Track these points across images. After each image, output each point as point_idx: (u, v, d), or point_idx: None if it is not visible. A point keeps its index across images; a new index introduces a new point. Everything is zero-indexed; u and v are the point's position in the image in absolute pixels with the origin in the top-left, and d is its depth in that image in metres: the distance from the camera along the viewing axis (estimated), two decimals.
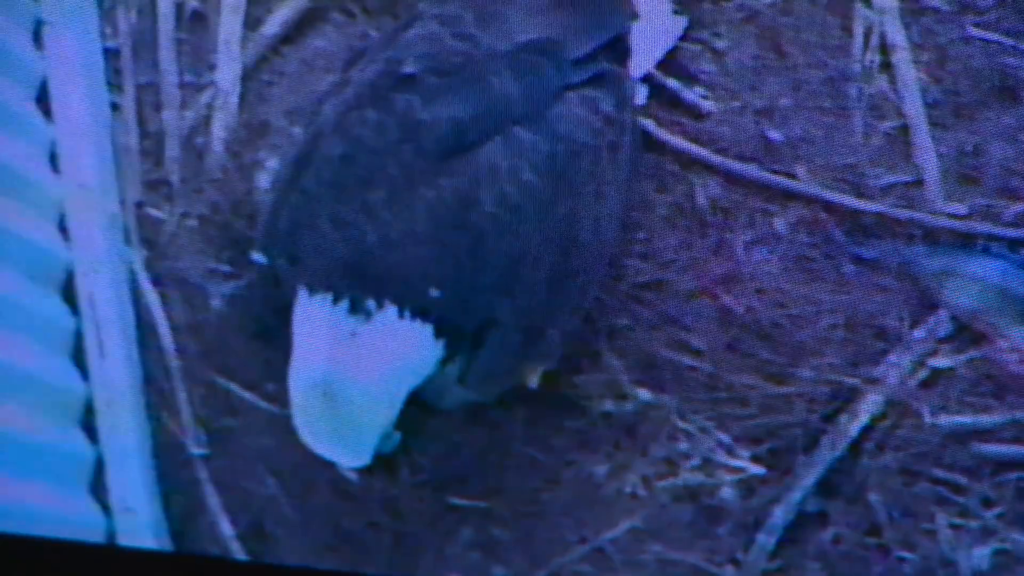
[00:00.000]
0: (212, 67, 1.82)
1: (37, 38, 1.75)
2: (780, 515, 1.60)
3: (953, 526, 1.59)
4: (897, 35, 1.73)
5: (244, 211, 1.76)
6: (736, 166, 1.71)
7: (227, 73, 1.80)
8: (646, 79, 1.69)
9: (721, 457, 1.64)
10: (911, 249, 1.67)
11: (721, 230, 1.70)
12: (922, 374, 1.65)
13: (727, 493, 1.64)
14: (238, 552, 1.65)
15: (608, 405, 1.67)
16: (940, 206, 1.68)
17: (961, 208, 1.68)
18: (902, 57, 1.73)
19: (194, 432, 1.69)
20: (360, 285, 1.33)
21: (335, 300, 1.33)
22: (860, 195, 1.69)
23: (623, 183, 1.51)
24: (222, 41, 1.81)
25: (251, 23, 1.82)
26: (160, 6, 1.83)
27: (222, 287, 1.74)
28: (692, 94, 1.74)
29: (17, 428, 1.55)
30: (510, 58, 1.43)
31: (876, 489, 1.61)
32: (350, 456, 1.41)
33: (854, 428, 1.62)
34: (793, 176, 1.71)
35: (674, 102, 1.74)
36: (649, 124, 1.72)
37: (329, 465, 1.60)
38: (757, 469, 1.63)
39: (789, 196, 1.70)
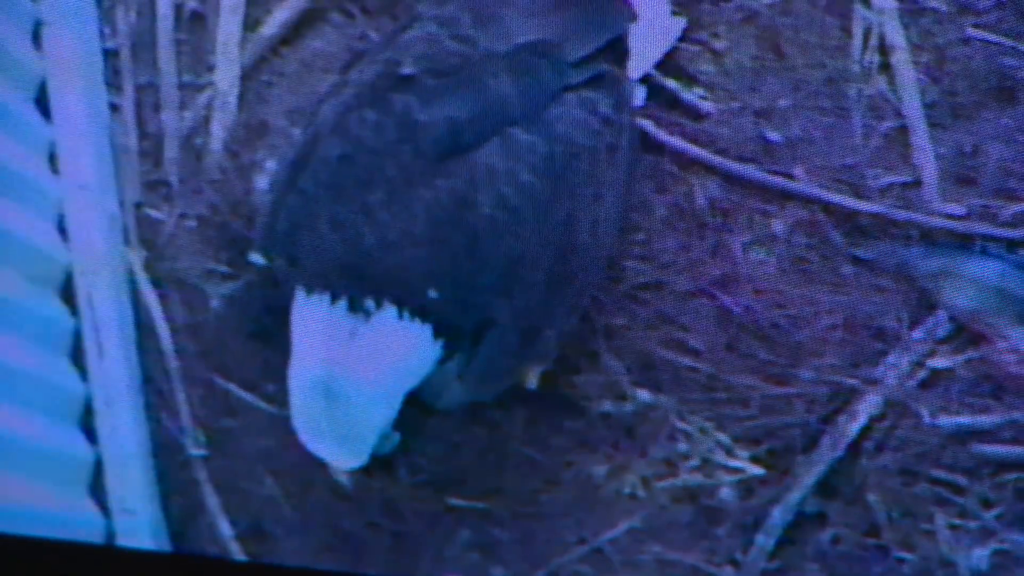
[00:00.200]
0: (211, 68, 1.82)
1: (36, 38, 1.75)
2: (779, 516, 1.60)
3: (952, 527, 1.60)
4: (896, 36, 1.73)
5: (243, 212, 1.76)
6: (735, 167, 1.71)
7: (226, 74, 1.80)
8: (645, 80, 1.69)
9: (720, 458, 1.64)
10: (909, 250, 1.67)
11: (720, 231, 1.70)
12: (921, 375, 1.65)
13: (726, 494, 1.64)
14: (237, 552, 1.65)
15: (607, 406, 1.67)
16: (938, 207, 1.68)
17: (959, 209, 1.68)
18: (901, 58, 1.72)
19: (193, 432, 1.69)
20: (358, 285, 1.33)
21: (333, 299, 1.33)
22: (859, 196, 1.69)
23: (621, 184, 1.51)
24: (221, 42, 1.81)
25: (250, 24, 1.82)
26: (159, 7, 1.83)
27: (221, 288, 1.74)
28: (691, 95, 1.74)
29: (17, 428, 1.55)
30: (508, 59, 1.43)
31: (875, 490, 1.61)
32: (347, 456, 1.40)
33: (853, 429, 1.62)
34: (792, 177, 1.71)
35: (673, 103, 1.74)
36: (648, 125, 1.72)
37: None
38: (756, 470, 1.63)
39: (788, 197, 1.70)
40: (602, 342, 1.67)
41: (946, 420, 1.62)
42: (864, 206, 1.68)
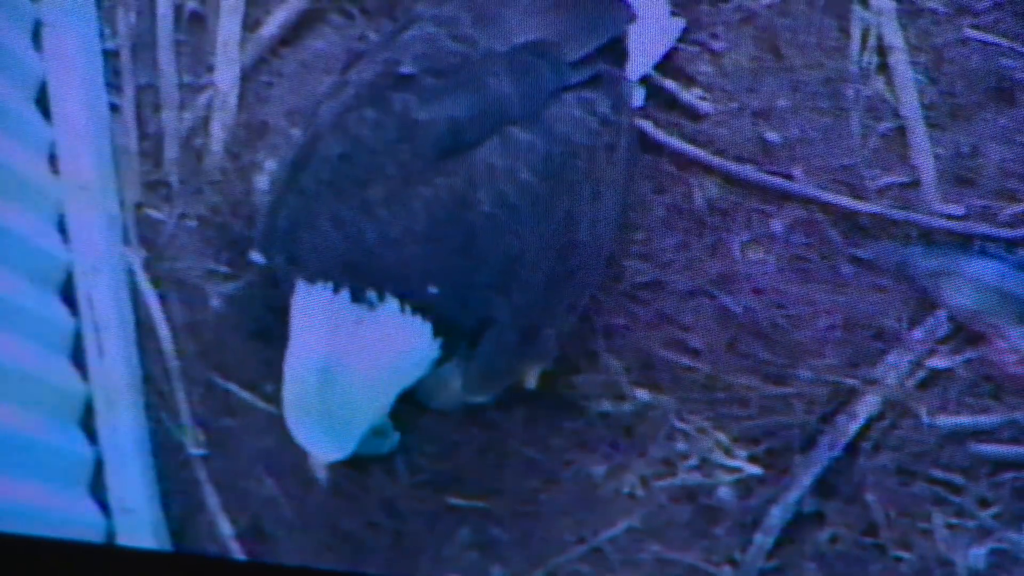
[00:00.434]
0: (211, 68, 1.82)
1: (36, 39, 1.75)
2: (778, 515, 1.61)
3: (950, 526, 1.60)
4: (894, 36, 1.73)
5: (243, 212, 1.76)
6: (734, 167, 1.71)
7: (226, 74, 1.81)
8: (644, 80, 1.69)
9: (719, 457, 1.64)
10: (908, 250, 1.67)
11: (719, 231, 1.70)
12: (920, 375, 1.65)
13: (725, 493, 1.64)
14: (237, 552, 1.65)
15: (606, 405, 1.67)
16: (937, 207, 1.68)
17: (958, 209, 1.68)
18: (899, 58, 1.73)
19: (193, 432, 1.70)
20: (360, 280, 1.34)
21: (336, 289, 1.33)
22: (857, 196, 1.70)
23: (620, 184, 1.52)
24: (221, 42, 1.82)
25: (250, 24, 1.82)
26: (159, 7, 1.83)
27: (221, 287, 1.74)
28: (690, 95, 1.75)
29: (17, 428, 1.55)
30: (507, 59, 1.43)
31: (873, 489, 1.61)
32: (331, 446, 1.39)
33: (852, 428, 1.62)
34: (790, 177, 1.71)
35: (672, 103, 1.75)
36: (647, 125, 1.72)
37: (329, 465, 1.60)
38: (755, 469, 1.64)
39: (786, 197, 1.70)
40: (601, 342, 1.67)
41: (945, 420, 1.62)
42: (863, 206, 1.68)
